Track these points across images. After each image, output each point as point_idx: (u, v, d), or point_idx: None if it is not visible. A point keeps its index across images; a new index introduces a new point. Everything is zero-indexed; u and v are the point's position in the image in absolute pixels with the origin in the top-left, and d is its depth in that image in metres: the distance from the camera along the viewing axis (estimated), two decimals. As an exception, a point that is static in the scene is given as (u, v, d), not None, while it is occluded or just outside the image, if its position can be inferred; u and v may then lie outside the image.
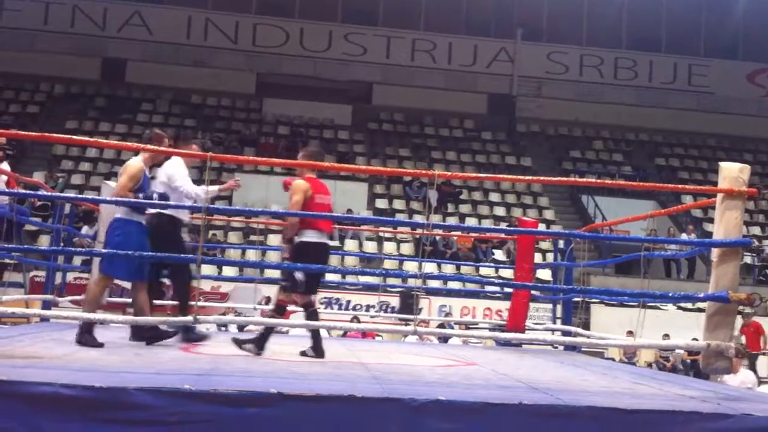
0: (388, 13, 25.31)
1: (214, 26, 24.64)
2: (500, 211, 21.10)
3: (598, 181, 13.19)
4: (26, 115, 22.15)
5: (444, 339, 10.97)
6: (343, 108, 24.50)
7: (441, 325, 13.10)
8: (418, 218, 17.45)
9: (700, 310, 15.76)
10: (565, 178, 12.12)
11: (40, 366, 4.48)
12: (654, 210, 14.07)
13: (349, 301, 15.63)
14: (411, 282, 14.02)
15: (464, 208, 21.08)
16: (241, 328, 10.75)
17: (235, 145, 21.73)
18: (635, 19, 25.84)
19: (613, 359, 13.13)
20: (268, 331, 6.08)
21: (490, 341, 10.23)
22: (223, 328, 11.05)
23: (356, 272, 6.23)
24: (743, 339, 13.41)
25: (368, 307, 15.08)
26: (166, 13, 24.41)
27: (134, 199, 5.87)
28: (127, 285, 6.79)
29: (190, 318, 5.41)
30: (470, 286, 13.88)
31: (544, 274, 14.90)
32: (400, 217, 19.16)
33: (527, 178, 13.45)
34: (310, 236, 5.97)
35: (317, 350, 6.09)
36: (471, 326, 13.55)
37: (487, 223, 20.01)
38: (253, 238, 17.41)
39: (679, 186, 12.97)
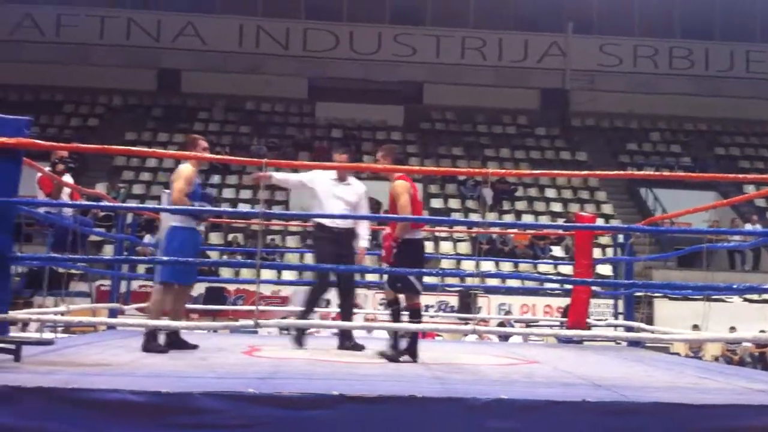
0: (437, 13, 25.27)
1: (265, 33, 24.92)
2: (557, 207, 20.89)
3: (655, 173, 12.97)
4: (86, 128, 22.68)
5: (504, 337, 10.91)
6: (394, 109, 24.54)
7: (501, 324, 13.02)
8: (474, 217, 17.39)
9: (766, 301, 15.44)
10: (619, 172, 11.92)
11: (108, 373, 4.59)
12: (715, 201, 13.75)
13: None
14: (469, 281, 13.98)
15: (520, 205, 20.92)
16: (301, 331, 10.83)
17: (290, 150, 21.93)
18: (688, 7, 25.32)
19: (678, 354, 12.89)
20: (415, 338, 6.07)
21: (551, 339, 10.15)
22: (284, 332, 11.13)
23: (413, 272, 6.28)
24: None
25: (427, 307, 15.05)
26: (218, 22, 24.77)
27: (190, 207, 5.99)
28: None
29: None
30: (529, 284, 13.76)
31: (605, 270, 14.70)
32: (455, 216, 19.10)
33: (581, 173, 13.24)
34: (416, 233, 6.08)
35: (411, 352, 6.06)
36: (531, 324, 13.45)
37: (543, 220, 19.82)
38: (309, 241, 17.52)
39: (740, 176, 12.62)
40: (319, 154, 21.37)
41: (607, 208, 20.73)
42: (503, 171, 10.23)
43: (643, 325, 8.26)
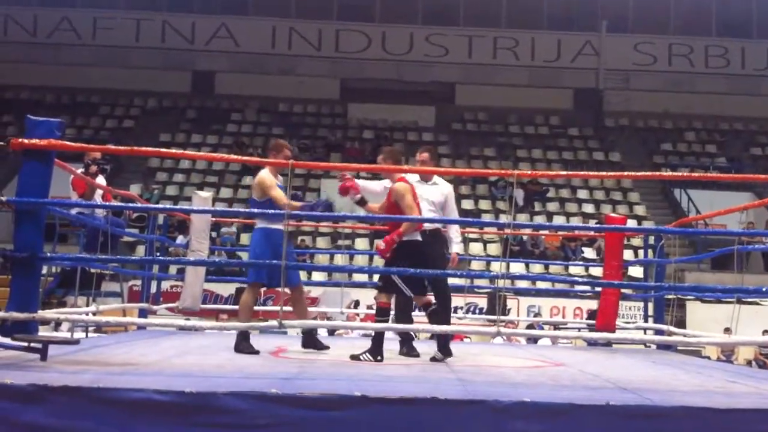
0: (469, 13, 25.20)
1: (297, 34, 25.05)
2: (589, 208, 20.72)
3: (687, 174, 12.80)
4: (122, 130, 22.99)
5: (533, 340, 10.86)
6: (426, 109, 24.51)
7: (530, 326, 12.95)
8: (504, 218, 17.30)
9: (802, 304, 15.16)
10: (651, 173, 11.80)
11: (135, 373, 4.65)
12: (750, 202, 13.54)
13: (436, 303, 15.59)
14: (498, 282, 13.91)
15: (552, 206, 20.78)
16: (331, 332, 10.88)
17: (322, 151, 22.02)
18: (724, 5, 24.96)
19: (708, 358, 12.73)
20: (448, 338, 6.20)
21: (580, 341, 10.08)
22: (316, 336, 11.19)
23: (442, 274, 6.31)
24: None
25: (456, 309, 15.03)
26: (251, 24, 24.95)
27: (222, 209, 6.05)
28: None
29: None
30: (559, 286, 13.68)
31: (637, 272, 14.56)
32: (486, 217, 19.01)
33: (610, 173, 13.11)
34: (414, 235, 6.09)
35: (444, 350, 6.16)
36: (560, 326, 13.36)
37: (575, 221, 19.67)
38: (340, 242, 17.61)
39: (776, 176, 12.41)
40: (351, 154, 21.43)
41: (640, 210, 20.52)
42: (530, 172, 10.15)
43: (672, 328, 8.16)
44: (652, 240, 9.27)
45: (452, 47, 25.02)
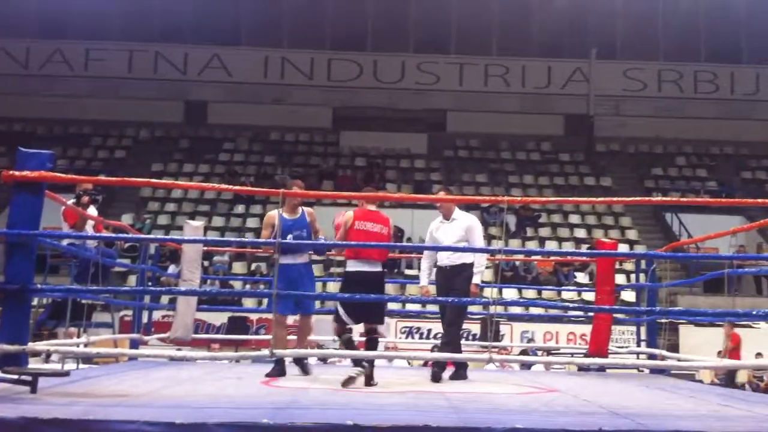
0: (460, 41, 25.39)
1: (290, 64, 25.19)
2: (581, 233, 20.77)
3: (678, 199, 12.86)
4: (114, 160, 23.02)
5: (527, 366, 10.84)
6: (418, 137, 24.62)
7: (524, 351, 12.92)
8: (497, 244, 17.32)
9: (795, 327, 15.17)
10: (642, 198, 11.85)
11: (126, 404, 4.62)
12: (741, 225, 13.60)
13: (429, 330, 15.58)
14: (491, 308, 13.91)
15: (544, 232, 20.82)
16: (323, 360, 10.84)
17: (314, 179, 22.06)
18: (713, 31, 25.22)
19: (702, 381, 12.71)
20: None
21: (573, 367, 10.06)
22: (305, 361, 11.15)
23: (435, 301, 6.35)
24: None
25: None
26: (243, 54, 25.08)
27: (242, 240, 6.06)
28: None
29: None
30: (552, 311, 13.67)
31: (629, 296, 14.57)
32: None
33: (600, 199, 13.14)
34: (349, 266, 6.29)
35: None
36: (553, 352, 13.34)
37: (567, 246, 19.68)
38: (332, 270, 17.56)
39: (767, 200, 12.45)
40: (343, 183, 21.47)
41: (632, 234, 20.57)
42: (520, 198, 10.20)
43: (665, 353, 8.16)
44: (644, 264, 9.29)
45: (443, 75, 25.19)
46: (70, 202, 7.45)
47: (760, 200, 10.83)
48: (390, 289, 14.98)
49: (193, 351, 10.35)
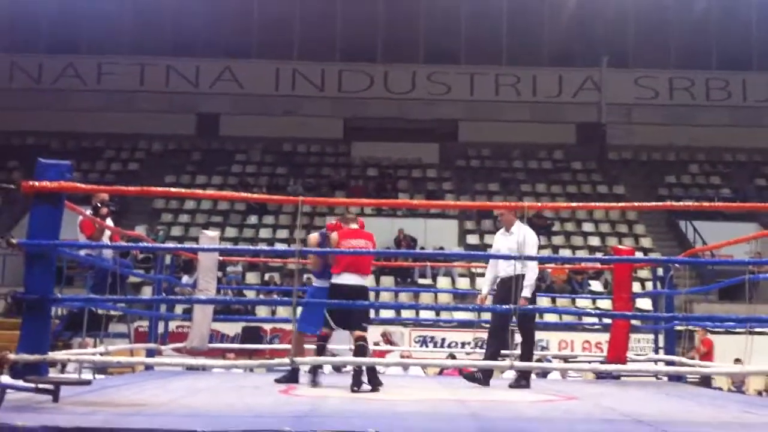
0: (471, 51, 25.41)
1: (301, 76, 25.25)
2: (594, 241, 20.70)
3: (692, 204, 12.80)
4: (127, 173, 23.09)
5: (543, 374, 10.77)
6: (430, 147, 24.62)
7: (538, 360, 12.86)
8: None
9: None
10: (655, 203, 11.80)
11: (147, 413, 4.62)
12: (756, 232, 13.50)
13: (444, 339, 15.53)
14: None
15: (557, 240, 20.76)
16: (338, 369, 10.83)
17: (326, 190, 22.09)
18: (724, 38, 25.15)
19: (720, 389, 12.62)
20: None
21: (590, 375, 10.00)
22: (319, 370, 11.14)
23: (449, 308, 6.37)
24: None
25: (463, 344, 14.95)
26: (254, 66, 25.18)
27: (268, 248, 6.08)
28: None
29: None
30: (567, 319, 13.61)
31: (644, 304, 14.50)
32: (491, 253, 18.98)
33: (618, 204, 13.20)
34: (337, 279, 6.66)
35: None
36: (570, 360, 13.27)
37: (581, 254, 19.61)
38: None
39: (782, 206, 12.41)
40: (355, 193, 21.49)
41: (646, 242, 20.48)
42: (539, 204, 10.20)
43: (684, 360, 8.11)
44: (660, 272, 9.24)
45: (454, 85, 25.21)
46: (87, 212, 7.47)
47: (773, 205, 10.79)
48: (403, 297, 14.96)
49: (209, 360, 10.35)
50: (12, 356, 4.93)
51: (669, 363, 8.29)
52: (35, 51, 24.80)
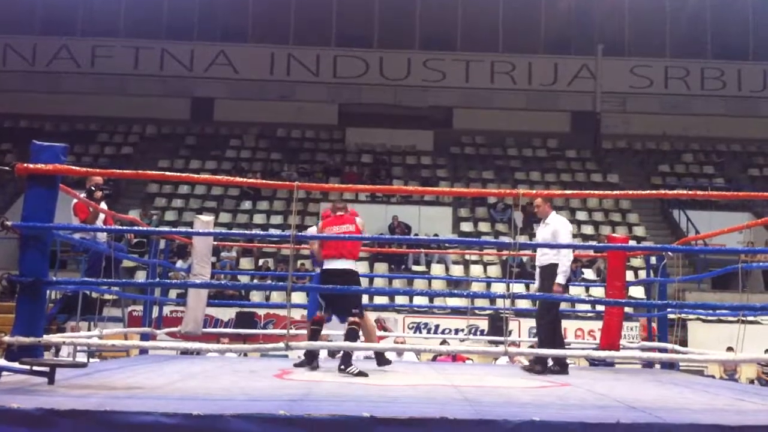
0: (466, 38, 25.35)
1: (296, 61, 25.17)
2: (588, 229, 20.73)
3: (686, 192, 12.82)
4: (121, 157, 23.01)
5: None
6: (424, 134, 24.59)
7: (531, 347, 12.90)
8: (504, 240, 17.30)
9: (804, 323, 15.15)
10: (649, 192, 11.82)
11: (141, 396, 4.62)
12: (749, 221, 13.55)
13: (437, 325, 15.58)
14: (499, 304, 13.90)
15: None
16: (332, 354, 10.86)
17: (320, 176, 22.05)
18: (720, 28, 25.17)
19: (713, 377, 12.69)
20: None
21: (582, 361, 10.04)
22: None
23: (443, 294, 6.42)
24: None
25: (457, 331, 15.00)
26: (250, 51, 25.08)
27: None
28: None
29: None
30: (560, 306, 13.59)
31: (637, 292, 14.54)
32: (485, 239, 19.01)
33: (612, 193, 13.22)
34: (325, 264, 6.87)
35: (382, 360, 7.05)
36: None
37: (574, 243, 19.65)
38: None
39: (775, 195, 12.45)
40: (349, 179, 21.47)
41: (639, 231, 20.53)
42: (534, 192, 10.22)
43: (677, 347, 8.15)
44: (653, 260, 9.27)
45: (450, 72, 25.17)
46: (81, 196, 7.44)
47: (765, 194, 10.84)
48: (397, 284, 14.98)
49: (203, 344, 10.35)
50: (7, 338, 4.92)
51: (661, 350, 8.33)
52: (29, 32, 24.67)
